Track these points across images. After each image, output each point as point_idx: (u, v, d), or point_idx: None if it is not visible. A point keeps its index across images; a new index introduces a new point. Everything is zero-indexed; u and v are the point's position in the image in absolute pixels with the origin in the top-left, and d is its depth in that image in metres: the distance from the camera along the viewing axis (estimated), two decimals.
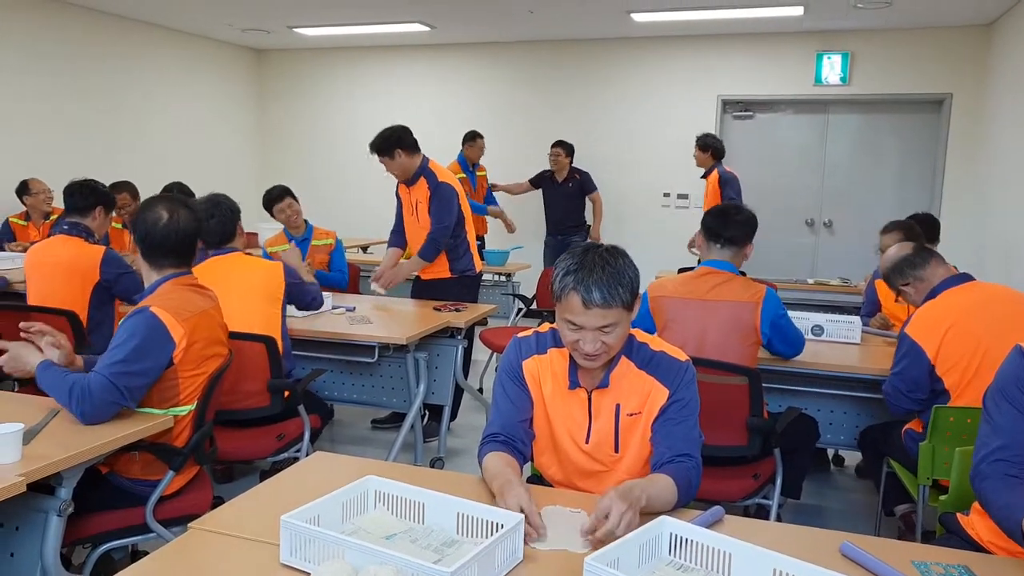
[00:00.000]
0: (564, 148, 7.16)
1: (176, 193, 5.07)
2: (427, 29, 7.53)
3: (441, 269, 4.41)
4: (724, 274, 2.96)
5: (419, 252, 4.28)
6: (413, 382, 3.78)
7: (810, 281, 5.80)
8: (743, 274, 3.10)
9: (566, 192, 7.22)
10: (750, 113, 7.87)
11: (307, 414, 3.20)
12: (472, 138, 6.89)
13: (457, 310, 4.09)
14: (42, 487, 1.96)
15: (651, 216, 7.92)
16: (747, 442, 2.78)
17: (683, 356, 1.94)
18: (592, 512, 1.58)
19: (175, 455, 2.34)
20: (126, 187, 5.23)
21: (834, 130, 7.69)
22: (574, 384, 1.91)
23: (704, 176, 6.30)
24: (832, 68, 7.37)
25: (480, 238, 6.98)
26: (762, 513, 3.01)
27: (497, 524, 1.51)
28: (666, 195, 7.94)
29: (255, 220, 7.27)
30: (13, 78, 6.38)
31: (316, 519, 1.50)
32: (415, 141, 4.27)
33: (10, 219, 5.93)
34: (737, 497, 2.85)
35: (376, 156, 4.27)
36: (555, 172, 7.24)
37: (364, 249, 7.53)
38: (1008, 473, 1.72)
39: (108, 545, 2.32)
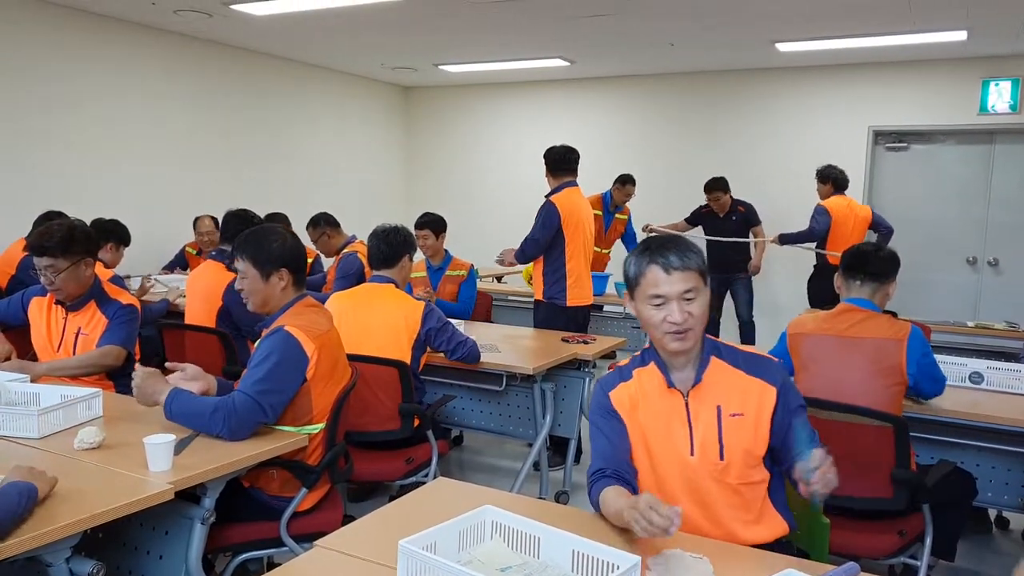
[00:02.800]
0: (720, 188, 6.83)
1: (323, 223, 5.39)
2: (567, 64, 7.63)
3: (538, 291, 4.68)
4: (865, 311, 2.83)
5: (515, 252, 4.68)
6: (539, 412, 3.78)
7: (970, 324, 5.36)
8: (894, 314, 2.93)
9: (730, 227, 6.89)
10: (905, 144, 7.44)
11: (435, 440, 3.27)
12: (623, 182, 6.81)
13: (585, 342, 4.07)
14: (188, 496, 2.10)
15: (800, 251, 7.60)
16: (892, 495, 2.59)
17: (771, 356, 1.98)
18: (713, 560, 1.57)
19: (308, 472, 2.45)
20: (280, 218, 5.53)
21: (1001, 161, 7.13)
22: (671, 384, 1.91)
23: None
24: (1000, 95, 6.86)
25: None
26: (909, 574, 2.79)
27: (613, 565, 1.47)
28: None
29: None
30: (186, 116, 6.98)
31: (433, 546, 1.52)
32: (565, 165, 4.62)
33: (186, 247, 6.47)
34: (881, 554, 2.65)
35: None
36: (715, 209, 6.95)
37: (499, 279, 7.64)
38: None
39: (245, 555, 2.45)
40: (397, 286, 3.44)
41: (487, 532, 1.66)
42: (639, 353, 2.02)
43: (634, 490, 1.90)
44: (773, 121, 7.76)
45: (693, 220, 7.15)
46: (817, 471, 1.65)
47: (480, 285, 6.59)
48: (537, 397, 3.76)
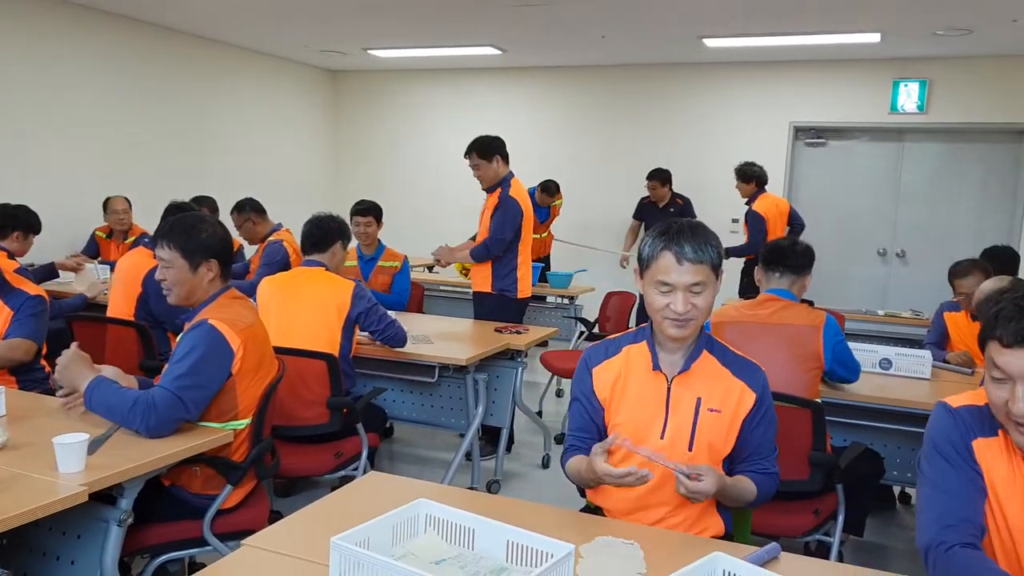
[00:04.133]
0: (659, 178, 7.06)
1: (248, 209, 5.25)
2: (498, 53, 7.62)
3: (483, 283, 4.57)
4: (785, 301, 2.96)
5: (472, 250, 4.51)
6: (472, 403, 3.79)
7: (880, 312, 5.61)
8: (811, 303, 3.07)
9: (668, 219, 7.12)
10: (823, 140, 7.71)
11: (365, 433, 3.24)
12: (543, 189, 6.96)
13: (518, 332, 4.09)
14: (104, 497, 2.02)
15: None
16: (809, 476, 2.69)
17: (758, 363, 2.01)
18: (643, 545, 1.65)
19: (233, 469, 2.38)
20: (207, 201, 5.35)
21: (909, 159, 7.47)
22: (656, 366, 1.95)
23: (748, 203, 6.23)
24: (909, 96, 7.17)
25: (545, 259, 6.99)
26: (823, 549, 2.91)
27: (547, 554, 1.49)
28: (735, 221, 7.79)
29: None
30: (97, 96, 6.68)
31: (366, 542, 1.50)
32: (505, 154, 4.51)
33: (96, 231, 6.20)
34: (797, 532, 2.77)
35: (471, 157, 4.47)
36: (655, 200, 7.17)
37: (430, 269, 7.60)
38: (966, 542, 1.55)
39: (166, 556, 2.37)
40: (327, 269, 3.39)
41: (421, 526, 1.65)
42: (634, 329, 2.04)
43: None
44: (700, 115, 7.93)
45: (638, 214, 7.33)
46: (689, 479, 1.72)
47: (412, 275, 6.57)
48: (470, 388, 3.76)
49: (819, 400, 2.80)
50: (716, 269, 1.86)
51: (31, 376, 3.20)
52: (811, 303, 5.46)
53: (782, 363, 2.83)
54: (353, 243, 4.97)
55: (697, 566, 1.44)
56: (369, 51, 7.83)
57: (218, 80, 7.88)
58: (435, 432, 4.77)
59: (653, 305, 1.88)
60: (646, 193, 7.44)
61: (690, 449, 1.91)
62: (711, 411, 1.91)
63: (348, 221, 4.89)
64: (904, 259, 7.59)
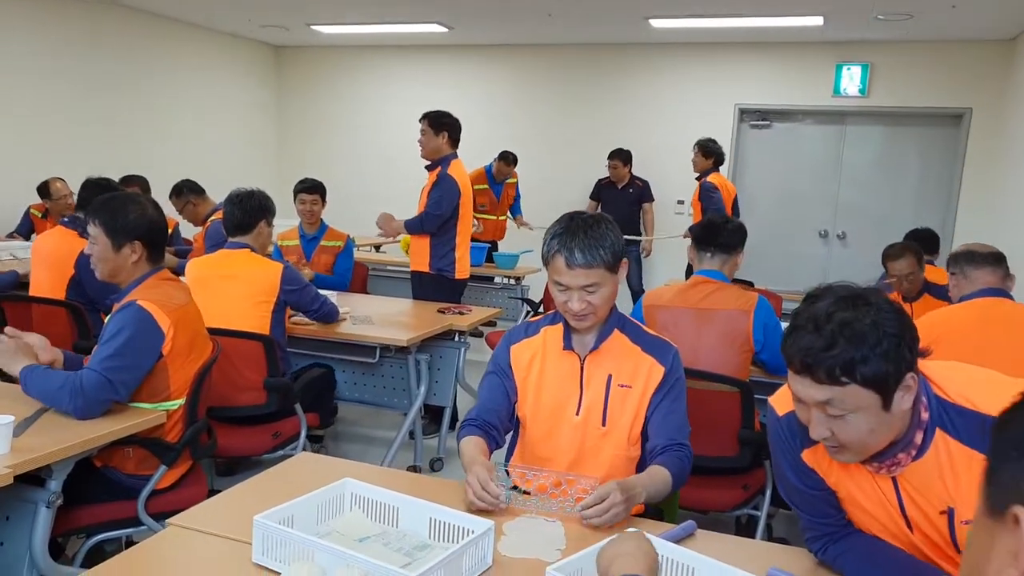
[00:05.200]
0: (620, 158, 7.20)
1: (186, 191, 5.16)
2: (445, 30, 7.56)
3: (422, 262, 4.57)
4: (716, 283, 2.99)
5: (407, 221, 4.51)
6: (414, 383, 3.81)
7: None
8: (750, 283, 3.11)
9: (626, 199, 7.27)
10: (767, 122, 7.84)
11: (304, 413, 3.24)
12: (503, 158, 6.94)
13: (461, 313, 4.11)
14: (33, 479, 2.00)
15: (666, 223, 7.89)
16: (738, 453, 2.78)
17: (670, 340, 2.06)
18: (566, 522, 1.69)
19: (167, 450, 2.38)
20: (137, 180, 5.22)
21: (851, 142, 7.64)
22: (568, 346, 2.00)
23: (699, 179, 6.32)
24: (851, 79, 7.32)
25: (493, 243, 7.00)
26: (754, 523, 3.01)
27: (467, 530, 1.53)
28: (680, 202, 7.91)
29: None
30: (32, 73, 6.48)
31: (290, 520, 1.53)
32: (457, 136, 4.51)
33: (31, 208, 6.02)
34: (727, 507, 2.86)
35: (423, 123, 4.48)
36: (614, 180, 7.30)
37: (377, 248, 7.57)
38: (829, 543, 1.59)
39: (100, 536, 2.36)
40: (254, 251, 3.33)
41: (347, 504, 1.67)
42: (554, 311, 2.06)
43: (496, 442, 2.04)
44: (647, 96, 7.99)
45: (595, 195, 7.45)
46: (593, 508, 1.66)
47: (357, 255, 6.53)
48: (412, 368, 3.78)
49: (747, 380, 2.88)
50: (612, 267, 1.89)
51: None
52: (750, 284, 5.61)
53: (713, 346, 2.90)
54: (295, 222, 4.94)
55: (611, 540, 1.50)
56: (312, 26, 7.71)
57: (158, 56, 7.68)
58: (380, 411, 4.78)
59: (555, 299, 1.95)
60: (597, 173, 7.53)
61: (603, 424, 1.98)
62: (621, 386, 1.97)
63: (293, 199, 4.87)
64: (845, 240, 7.78)
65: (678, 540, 1.66)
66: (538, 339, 2.07)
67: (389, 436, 4.49)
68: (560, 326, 2.04)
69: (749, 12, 6.25)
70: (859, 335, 1.29)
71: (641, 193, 7.32)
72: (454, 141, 4.48)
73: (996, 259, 2.98)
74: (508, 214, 7.27)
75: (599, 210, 7.38)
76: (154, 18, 7.56)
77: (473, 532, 1.49)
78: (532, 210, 7.41)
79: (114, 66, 7.21)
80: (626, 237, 7.27)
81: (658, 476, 1.85)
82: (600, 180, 7.48)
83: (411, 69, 8.81)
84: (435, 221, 4.43)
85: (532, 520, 1.71)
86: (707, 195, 6.23)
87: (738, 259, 3.08)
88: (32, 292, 3.72)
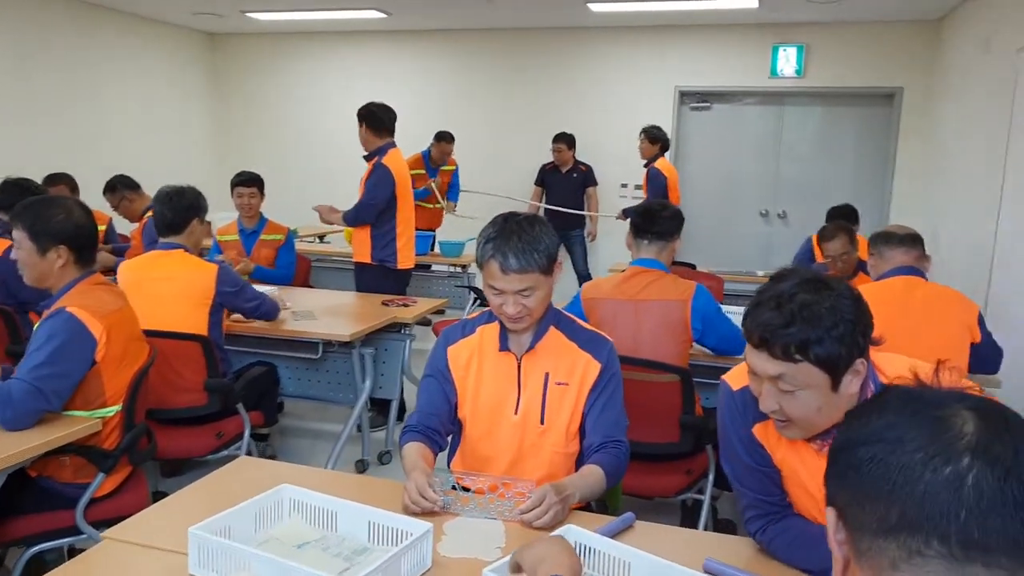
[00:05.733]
0: (565, 141, 7.25)
1: (120, 187, 5.02)
2: (383, 16, 7.47)
3: (363, 253, 4.56)
4: (654, 272, 3.00)
5: (344, 212, 4.51)
6: (359, 378, 3.79)
7: (760, 273, 5.88)
8: (692, 266, 3.14)
9: (570, 183, 7.33)
10: (707, 104, 7.94)
11: (247, 412, 3.21)
12: (439, 139, 6.87)
13: (406, 304, 4.10)
14: None
15: (609, 207, 7.96)
16: (679, 439, 2.84)
17: (606, 335, 2.09)
18: (506, 523, 1.72)
19: (105, 457, 2.34)
20: (63, 179, 5.02)
21: (790, 122, 7.78)
22: (504, 347, 2.01)
23: (647, 165, 6.41)
24: (787, 60, 7.44)
25: (431, 231, 6.96)
26: (699, 506, 3.08)
27: (406, 532, 1.54)
28: (623, 186, 7.97)
29: (212, 209, 7.20)
30: None
31: (227, 530, 1.52)
32: (385, 125, 4.49)
33: None
34: (671, 492, 2.92)
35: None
36: (558, 164, 7.34)
37: (321, 238, 7.48)
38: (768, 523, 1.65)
39: (38, 547, 2.32)
40: (188, 251, 3.26)
41: (285, 510, 1.67)
42: (489, 309, 2.05)
43: (439, 446, 2.04)
44: (587, 81, 8.01)
45: (539, 180, 7.51)
46: (535, 509, 1.68)
47: (301, 246, 6.44)
48: (356, 362, 3.76)
49: (686, 367, 2.93)
50: (547, 270, 1.91)
51: None
52: (692, 266, 5.72)
53: (652, 336, 2.93)
54: (235, 215, 4.86)
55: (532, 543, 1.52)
56: (247, 13, 7.53)
57: (86, 45, 7.41)
58: (327, 406, 4.75)
59: (490, 303, 1.95)
60: (541, 158, 7.55)
61: (542, 422, 2.00)
62: (559, 384, 1.99)
63: (230, 192, 4.78)
64: (785, 219, 7.94)
65: (618, 532, 1.70)
66: (475, 338, 2.07)
67: (337, 430, 4.45)
68: (496, 325, 2.04)
69: None
70: (816, 316, 1.38)
71: (585, 177, 7.40)
72: (385, 131, 4.46)
73: (912, 240, 3.08)
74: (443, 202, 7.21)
75: (544, 195, 7.46)
76: (82, 5, 7.30)
77: (411, 535, 1.51)
78: (475, 197, 7.39)
79: (41, 57, 6.94)
80: (571, 215, 7.34)
81: (591, 476, 1.88)
82: (544, 165, 7.52)
83: (350, 56, 8.69)
84: (370, 211, 4.42)
85: (472, 520, 1.73)
86: (653, 181, 6.35)
87: (675, 245, 3.10)
88: None
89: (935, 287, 3.02)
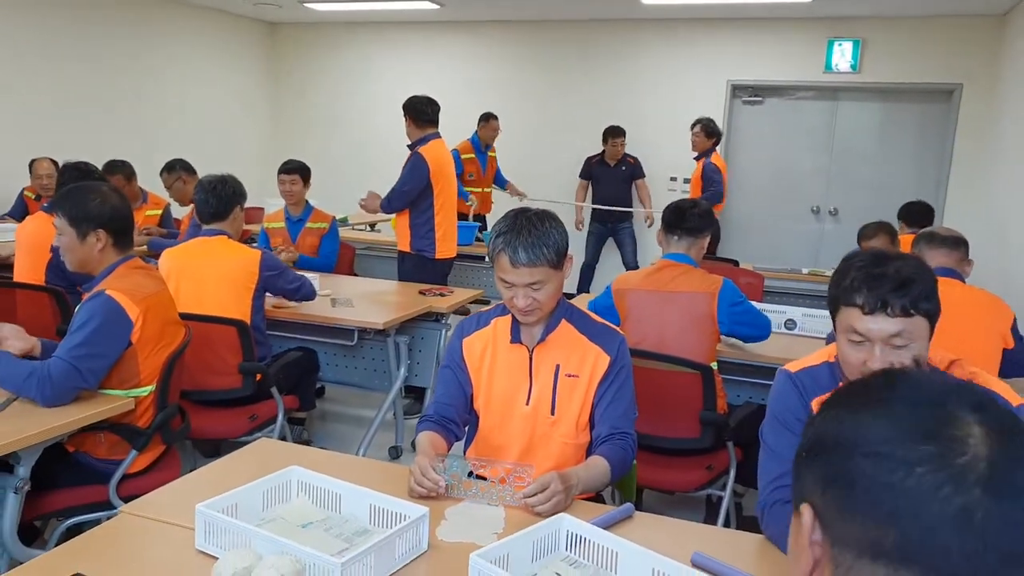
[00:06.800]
0: (624, 133, 7.16)
1: (178, 168, 5.20)
2: (436, 7, 7.54)
3: (403, 242, 4.66)
4: (682, 266, 3.04)
5: (381, 199, 4.61)
6: (394, 365, 3.87)
7: (804, 271, 5.78)
8: (735, 262, 3.14)
9: (619, 176, 7.25)
10: (760, 98, 7.81)
11: (282, 396, 3.31)
12: (486, 119, 6.94)
13: (442, 295, 4.16)
14: (3, 465, 2.08)
15: (659, 201, 7.88)
16: (700, 434, 2.84)
17: (618, 328, 2.12)
18: (507, 509, 1.77)
19: (138, 435, 2.45)
20: (121, 168, 5.20)
21: (843, 117, 7.61)
22: (515, 339, 2.06)
23: (698, 158, 6.33)
24: (843, 55, 7.27)
25: (482, 217, 7.02)
26: (721, 502, 3.07)
27: (404, 516, 1.59)
28: (672, 179, 7.91)
29: (263, 195, 7.40)
30: (24, 53, 6.50)
31: (234, 508, 1.59)
32: (428, 116, 4.58)
33: (24, 191, 6.08)
34: (691, 487, 2.93)
35: None
36: (606, 157, 7.27)
37: (372, 227, 7.60)
38: (786, 499, 1.70)
39: (73, 520, 2.44)
40: (230, 237, 3.38)
41: (294, 491, 1.74)
42: (504, 302, 2.08)
43: (454, 435, 2.10)
44: (638, 73, 7.95)
45: (585, 173, 7.42)
46: (537, 496, 1.73)
47: (352, 234, 6.58)
48: (391, 350, 3.84)
49: (713, 364, 2.93)
50: (556, 264, 1.94)
51: None
52: (736, 262, 5.65)
53: (678, 329, 2.96)
54: (281, 204, 4.99)
55: (541, 526, 1.56)
56: (305, 3, 7.69)
57: (150, 33, 7.67)
58: (367, 393, 4.85)
59: (502, 295, 2.00)
60: (589, 149, 7.51)
61: (552, 413, 2.04)
62: (569, 376, 2.03)
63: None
64: (837, 217, 7.77)
65: (615, 523, 1.73)
66: (489, 330, 2.12)
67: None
68: (509, 317, 2.09)
69: None
70: (918, 276, 1.57)
71: (633, 170, 7.32)
72: (427, 122, 4.54)
73: (955, 242, 3.01)
74: (494, 186, 7.26)
75: (590, 188, 7.43)
76: None
77: (407, 518, 1.56)
78: (522, 186, 7.42)
79: (108, 46, 7.21)
80: (619, 211, 7.28)
81: (596, 467, 1.92)
82: (590, 158, 7.44)
83: (404, 46, 8.79)
84: (401, 198, 4.50)
85: (474, 505, 1.78)
86: (710, 178, 6.27)
87: (704, 243, 3.13)
88: (16, 278, 3.79)
89: (971, 290, 2.95)
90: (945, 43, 6.91)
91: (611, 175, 7.30)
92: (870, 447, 0.67)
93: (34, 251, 3.72)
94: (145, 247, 4.85)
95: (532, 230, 1.91)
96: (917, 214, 4.84)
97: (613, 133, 7.19)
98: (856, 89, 7.43)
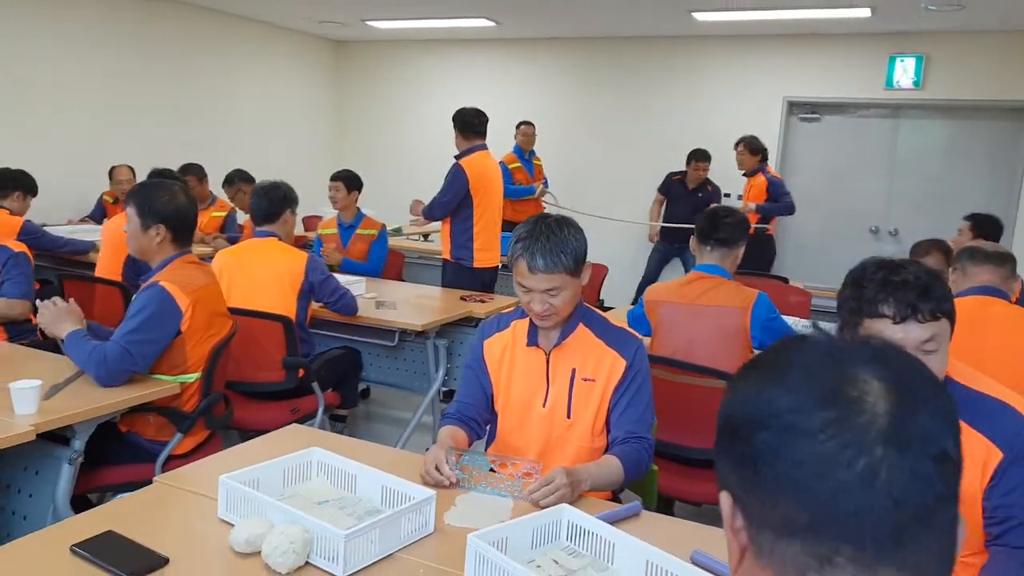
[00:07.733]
0: (709, 158, 6.96)
1: (237, 180, 5.46)
2: (492, 24, 7.70)
3: (446, 250, 4.80)
4: (714, 279, 3.02)
5: (423, 207, 4.74)
6: (432, 367, 3.98)
7: None
8: (784, 280, 3.11)
9: (695, 201, 6.91)
10: (817, 116, 7.72)
11: (333, 391, 3.45)
12: (518, 126, 7.07)
13: (482, 301, 4.26)
14: (61, 439, 2.25)
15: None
16: None
17: (637, 334, 2.15)
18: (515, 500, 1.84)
19: (183, 418, 2.61)
20: (193, 169, 5.55)
21: (905, 135, 7.46)
22: (532, 342, 2.11)
23: (747, 175, 6.31)
24: (905, 71, 7.15)
25: None
26: None
27: (411, 497, 1.68)
28: (727, 195, 7.85)
29: (321, 204, 7.65)
30: (105, 69, 6.88)
31: (256, 481, 1.71)
32: (474, 128, 4.70)
33: (103, 195, 6.44)
34: (716, 499, 2.92)
35: None
36: (687, 179, 7.08)
37: (425, 237, 7.76)
38: None
39: (121, 495, 2.60)
40: (280, 239, 3.54)
41: (313, 471, 1.85)
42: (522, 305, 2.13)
43: (475, 433, 2.17)
44: (692, 90, 7.95)
45: (664, 189, 7.27)
46: (543, 488, 1.78)
47: (405, 243, 6.76)
48: (430, 352, 3.96)
49: None
50: (574, 271, 1.97)
51: (20, 327, 3.45)
52: (785, 280, 5.60)
53: (707, 342, 2.95)
54: (334, 212, 5.18)
55: (542, 515, 1.63)
56: (367, 22, 7.95)
57: (221, 50, 8.03)
58: (410, 395, 4.98)
59: (520, 299, 2.05)
60: (645, 166, 7.51)
61: (568, 416, 2.08)
62: (585, 380, 2.07)
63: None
64: (897, 237, 7.61)
65: (620, 519, 1.78)
66: (507, 333, 2.18)
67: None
68: (527, 320, 2.14)
69: (794, 4, 6.18)
70: (932, 277, 1.61)
71: (710, 197, 7.02)
72: (473, 134, 4.67)
73: (1000, 258, 2.94)
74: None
75: (665, 204, 7.30)
76: (219, 15, 7.90)
77: (413, 499, 1.65)
78: (578, 203, 7.48)
79: (181, 61, 7.58)
80: (687, 230, 7.23)
81: (607, 466, 1.95)
82: (672, 174, 7.27)
83: (462, 63, 8.98)
84: (440, 208, 4.64)
85: (483, 495, 1.85)
86: (778, 187, 6.23)
87: (738, 253, 3.09)
88: (97, 272, 4.07)
89: (1014, 308, 2.90)
90: (1013, 59, 6.74)
91: (688, 197, 7.07)
92: (771, 421, 0.65)
93: (114, 247, 3.98)
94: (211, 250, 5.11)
95: (551, 236, 1.95)
96: (985, 224, 4.63)
97: (697, 157, 6.94)
98: (918, 106, 7.29)
